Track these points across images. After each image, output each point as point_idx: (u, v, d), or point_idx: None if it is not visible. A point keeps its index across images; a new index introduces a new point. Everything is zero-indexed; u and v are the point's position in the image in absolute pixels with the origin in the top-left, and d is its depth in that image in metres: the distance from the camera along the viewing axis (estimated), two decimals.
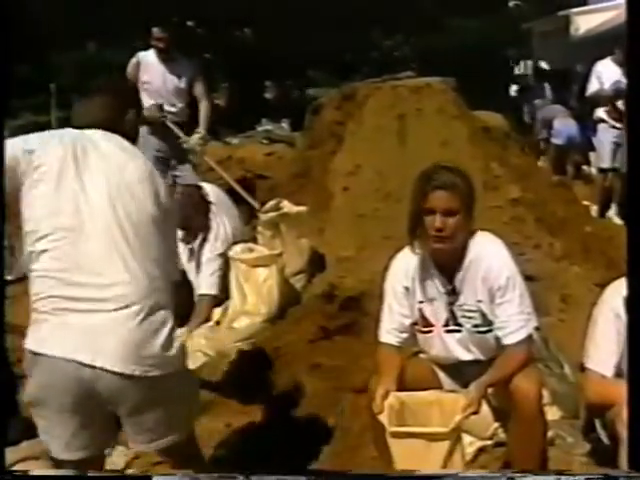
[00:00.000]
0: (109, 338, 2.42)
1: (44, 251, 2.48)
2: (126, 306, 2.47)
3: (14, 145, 2.56)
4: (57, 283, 2.46)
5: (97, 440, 2.57)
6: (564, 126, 10.83)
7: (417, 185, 3.12)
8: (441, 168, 3.13)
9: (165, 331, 2.53)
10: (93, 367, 2.40)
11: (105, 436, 2.62)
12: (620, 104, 8.27)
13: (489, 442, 3.35)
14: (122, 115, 2.84)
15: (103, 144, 2.67)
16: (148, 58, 6.75)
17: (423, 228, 3.09)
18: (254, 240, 5.09)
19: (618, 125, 8.37)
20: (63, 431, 2.50)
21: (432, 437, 2.80)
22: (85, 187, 2.54)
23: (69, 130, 2.72)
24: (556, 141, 10.88)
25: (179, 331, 2.73)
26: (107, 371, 2.40)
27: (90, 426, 2.52)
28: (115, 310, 2.46)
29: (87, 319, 2.44)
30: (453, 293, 3.16)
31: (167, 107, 6.65)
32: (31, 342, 2.48)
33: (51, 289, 2.46)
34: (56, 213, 2.49)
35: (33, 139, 2.62)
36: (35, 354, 2.46)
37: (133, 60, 6.79)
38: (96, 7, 16.35)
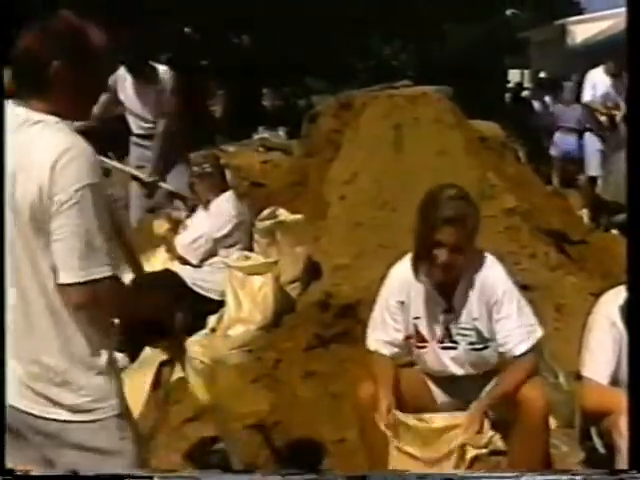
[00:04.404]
0: None
1: None
2: None
3: None
4: None
5: None
6: (562, 139, 10.82)
7: (425, 213, 3.01)
8: (450, 198, 2.98)
9: None
10: None
11: None
12: (604, 116, 8.42)
13: (484, 450, 3.35)
14: None
15: None
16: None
17: (428, 256, 3.03)
18: (250, 248, 5.09)
19: (603, 134, 8.52)
20: None
21: (433, 461, 2.92)
22: None
23: None
24: (554, 152, 10.88)
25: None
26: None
27: None
28: None
29: None
30: (449, 311, 3.14)
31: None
32: None
33: None
34: None
35: None
36: None
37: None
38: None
